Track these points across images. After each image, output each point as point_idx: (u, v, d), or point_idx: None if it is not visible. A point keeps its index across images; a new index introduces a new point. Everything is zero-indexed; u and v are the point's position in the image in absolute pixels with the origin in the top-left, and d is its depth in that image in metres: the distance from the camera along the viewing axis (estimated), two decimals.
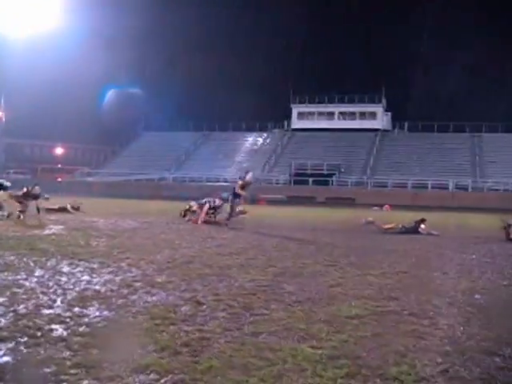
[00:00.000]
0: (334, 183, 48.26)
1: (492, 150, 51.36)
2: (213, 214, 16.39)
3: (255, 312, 5.51)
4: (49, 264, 7.92)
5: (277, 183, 49.74)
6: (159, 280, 6.99)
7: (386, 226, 15.11)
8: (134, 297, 6.03)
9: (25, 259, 8.22)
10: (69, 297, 5.91)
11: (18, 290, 6.09)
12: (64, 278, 6.90)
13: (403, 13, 67.10)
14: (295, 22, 69.74)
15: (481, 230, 17.25)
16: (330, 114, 60.63)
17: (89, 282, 6.72)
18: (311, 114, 61.46)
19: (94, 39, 48.17)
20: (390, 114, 60.80)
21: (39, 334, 4.55)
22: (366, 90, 58.13)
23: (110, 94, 59.60)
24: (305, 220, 20.01)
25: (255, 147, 59.50)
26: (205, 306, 5.68)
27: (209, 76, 60.13)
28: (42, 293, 6.04)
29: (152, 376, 3.74)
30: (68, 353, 4.12)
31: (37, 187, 16.50)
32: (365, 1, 72.72)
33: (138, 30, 55.17)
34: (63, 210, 18.60)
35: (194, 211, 17.12)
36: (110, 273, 7.41)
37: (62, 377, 3.68)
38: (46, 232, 12.37)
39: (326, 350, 4.34)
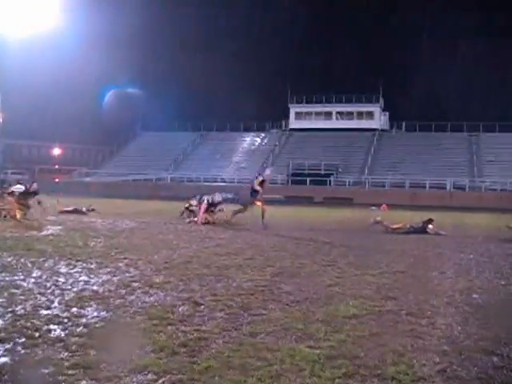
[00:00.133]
0: (331, 183, 48.25)
1: (489, 150, 51.39)
2: (212, 211, 16.35)
3: (253, 312, 5.52)
4: (46, 265, 7.91)
5: (274, 183, 49.71)
6: (157, 280, 6.99)
7: (394, 226, 15.13)
8: (132, 297, 6.03)
9: (22, 260, 8.21)
10: (66, 297, 5.91)
11: (16, 291, 6.09)
12: (62, 279, 6.90)
13: (401, 12, 67.17)
14: (293, 22, 69.88)
15: (478, 229, 17.27)
16: (328, 114, 60.60)
17: (86, 283, 6.72)
18: (309, 113, 61.41)
19: (93, 40, 48.13)
20: (387, 113, 60.78)
21: (37, 334, 4.55)
22: (363, 90, 58.16)
23: (109, 95, 59.57)
24: (302, 220, 20.01)
25: (253, 147, 59.46)
26: (203, 307, 5.68)
27: (206, 76, 60.10)
28: (40, 293, 6.04)
29: (150, 376, 3.74)
30: (66, 353, 4.12)
31: (34, 184, 16.53)
32: (363, 0, 72.75)
33: (137, 31, 55.12)
34: (78, 211, 18.45)
35: (192, 211, 17.09)
36: (107, 273, 7.41)
37: (60, 377, 3.68)
38: (44, 233, 12.36)
39: (324, 350, 4.34)
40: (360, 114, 59.55)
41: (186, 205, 17.62)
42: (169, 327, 4.88)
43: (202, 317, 5.29)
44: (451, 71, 59.16)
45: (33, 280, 6.76)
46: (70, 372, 3.76)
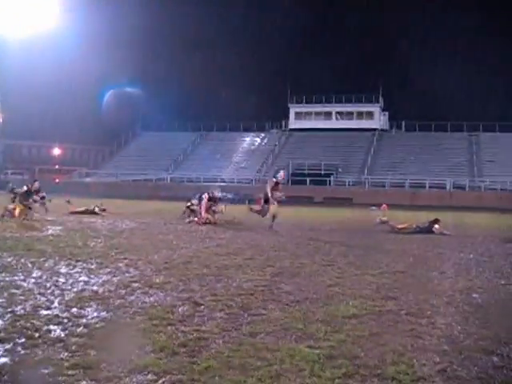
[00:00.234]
0: (331, 183, 48.26)
1: (489, 150, 51.43)
2: (214, 211, 16.31)
3: (253, 312, 5.52)
4: (46, 265, 7.91)
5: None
6: (157, 280, 6.99)
7: (400, 226, 15.16)
8: (132, 297, 6.03)
9: (22, 260, 8.21)
10: (66, 298, 5.90)
11: (16, 291, 6.09)
12: (62, 279, 6.90)
13: (401, 12, 67.14)
14: (293, 22, 69.85)
15: (478, 229, 17.28)
16: (328, 114, 60.63)
17: (86, 283, 6.71)
18: (309, 113, 61.44)
19: (93, 40, 48.11)
20: (387, 113, 60.82)
21: (37, 334, 4.55)
22: (363, 90, 58.22)
23: (109, 95, 59.54)
24: (302, 220, 20.01)
25: (253, 147, 59.48)
26: (202, 307, 5.68)
27: (206, 76, 60.10)
28: (40, 294, 6.04)
29: (150, 376, 3.74)
30: (66, 354, 4.12)
31: (36, 183, 16.53)
32: (362, 1, 72.79)
33: (137, 31, 55.12)
34: (90, 212, 18.35)
35: (193, 210, 17.09)
36: (107, 273, 7.41)
37: (60, 378, 3.68)
38: (44, 233, 12.36)
39: (324, 350, 4.34)
40: (360, 114, 59.58)
41: (188, 204, 17.64)
42: (169, 327, 4.88)
43: (202, 317, 5.29)
44: (451, 71, 59.14)
45: (33, 280, 6.76)
46: (69, 372, 3.76)
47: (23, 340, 4.39)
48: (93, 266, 7.90)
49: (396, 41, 64.98)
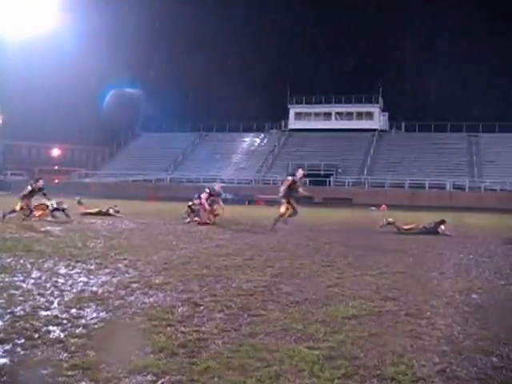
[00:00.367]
0: (331, 183, 48.27)
1: (489, 150, 51.43)
2: (216, 214, 16.30)
3: (252, 313, 5.51)
4: (46, 266, 7.91)
5: (274, 183, 49.68)
6: (156, 281, 6.98)
7: (407, 227, 15.22)
8: (131, 298, 6.03)
9: (22, 261, 8.21)
10: (66, 298, 5.90)
11: (15, 292, 6.08)
12: (61, 280, 6.89)
13: (401, 13, 67.16)
14: (292, 22, 69.89)
15: (478, 229, 17.28)
16: (327, 115, 60.63)
17: (86, 284, 6.71)
18: (308, 114, 61.45)
19: (93, 40, 48.13)
20: (387, 114, 60.82)
21: (36, 335, 4.54)
22: (362, 90, 58.28)
23: (109, 95, 59.52)
24: (302, 220, 19.99)
25: (252, 148, 59.50)
26: (202, 307, 5.67)
27: (206, 77, 60.06)
28: (39, 294, 6.03)
29: (149, 377, 3.74)
30: (65, 354, 4.11)
31: (41, 181, 16.51)
32: (362, 1, 72.77)
33: (137, 31, 55.10)
34: (104, 213, 18.02)
35: (193, 210, 17.09)
36: (107, 274, 7.41)
37: (59, 378, 3.67)
38: (43, 233, 12.35)
39: (323, 351, 4.34)
40: (359, 115, 59.58)
41: (190, 203, 17.66)
42: (168, 328, 4.88)
43: (202, 317, 5.28)
44: (451, 71, 59.19)
45: (32, 281, 6.76)
46: (69, 373, 3.75)
47: (22, 341, 4.38)
48: (92, 267, 7.90)
49: (395, 41, 65.04)
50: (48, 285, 6.56)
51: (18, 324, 4.83)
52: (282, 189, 15.08)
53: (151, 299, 6.00)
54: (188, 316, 5.33)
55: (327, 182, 47.89)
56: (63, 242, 10.81)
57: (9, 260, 8.25)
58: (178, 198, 27.69)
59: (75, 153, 79.65)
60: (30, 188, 15.88)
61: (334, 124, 59.23)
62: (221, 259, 9.10)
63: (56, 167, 67.57)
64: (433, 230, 14.82)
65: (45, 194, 16.26)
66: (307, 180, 47.28)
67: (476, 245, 12.63)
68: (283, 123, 61.92)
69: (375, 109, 59.40)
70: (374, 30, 69.10)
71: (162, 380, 3.70)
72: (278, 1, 72.47)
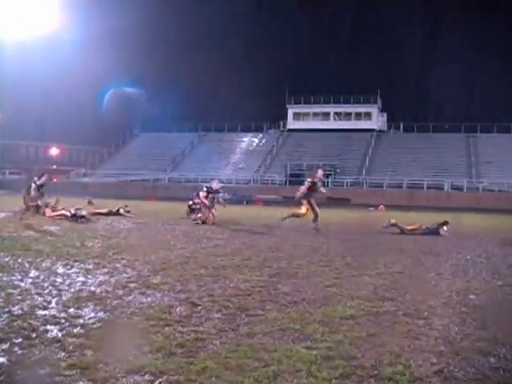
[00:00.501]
0: (329, 184, 48.25)
1: (487, 151, 51.47)
2: (214, 213, 16.29)
3: (250, 313, 5.52)
4: (44, 265, 7.90)
5: (272, 184, 49.73)
6: (154, 281, 6.98)
7: (410, 228, 15.26)
8: (129, 298, 6.02)
9: (20, 260, 8.20)
10: (64, 298, 5.90)
11: (13, 291, 6.08)
12: (59, 279, 6.89)
13: (400, 13, 67.23)
14: (291, 23, 69.92)
15: (476, 230, 17.30)
16: (326, 115, 60.63)
17: (84, 283, 6.71)
18: (307, 114, 61.44)
19: (92, 40, 48.08)
20: (385, 114, 60.85)
21: (34, 335, 4.54)
22: (361, 91, 58.32)
23: (108, 95, 59.49)
24: (300, 220, 19.98)
25: (251, 148, 59.48)
26: (200, 307, 5.67)
27: (205, 77, 60.14)
28: (37, 294, 6.03)
29: (147, 377, 3.74)
30: (63, 354, 4.11)
31: (43, 177, 16.46)
32: (361, 2, 72.85)
33: (137, 31, 55.16)
34: (114, 213, 17.79)
35: (193, 209, 17.07)
36: (105, 274, 7.40)
37: (57, 378, 3.67)
38: (42, 233, 12.33)
39: (321, 351, 4.34)
40: (358, 115, 59.58)
41: (190, 203, 17.66)
42: (166, 328, 4.88)
43: (199, 317, 5.29)
44: (449, 72, 59.24)
45: (30, 280, 6.75)
46: (66, 373, 3.75)
47: (20, 340, 4.38)
48: (90, 267, 7.89)
49: (394, 42, 65.10)
50: (46, 284, 6.55)
51: (15, 323, 4.83)
52: (302, 190, 15.26)
53: (149, 299, 6.00)
54: (186, 316, 5.33)
55: (325, 183, 47.85)
56: (61, 241, 10.79)
57: (7, 259, 8.24)
58: (176, 198, 27.68)
59: (73, 152, 79.62)
60: (34, 186, 15.89)
61: (332, 124, 59.23)
62: (219, 259, 9.09)
63: (54, 167, 67.59)
64: (435, 231, 14.88)
65: (42, 194, 16.25)
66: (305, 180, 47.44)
67: (473, 245, 12.63)
68: (282, 123, 61.91)
69: (373, 109, 59.42)
70: (372, 30, 69.21)
71: (160, 380, 3.70)
72: (277, 2, 72.54)
